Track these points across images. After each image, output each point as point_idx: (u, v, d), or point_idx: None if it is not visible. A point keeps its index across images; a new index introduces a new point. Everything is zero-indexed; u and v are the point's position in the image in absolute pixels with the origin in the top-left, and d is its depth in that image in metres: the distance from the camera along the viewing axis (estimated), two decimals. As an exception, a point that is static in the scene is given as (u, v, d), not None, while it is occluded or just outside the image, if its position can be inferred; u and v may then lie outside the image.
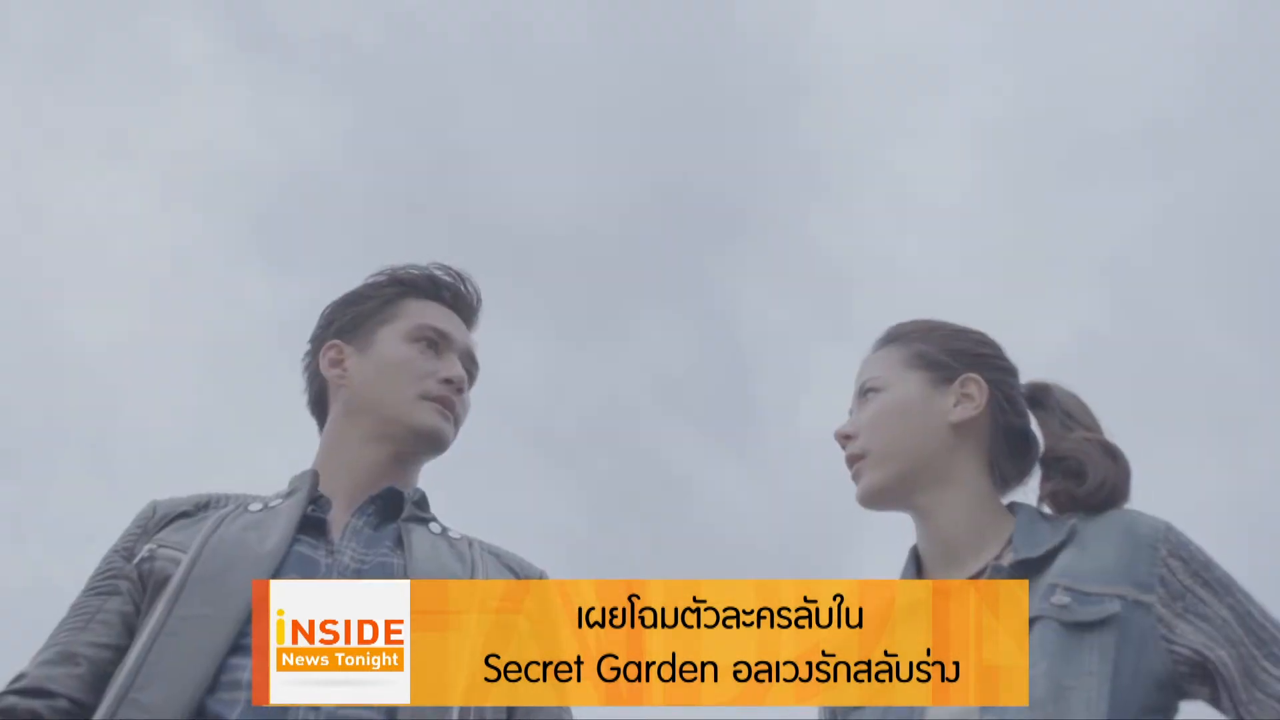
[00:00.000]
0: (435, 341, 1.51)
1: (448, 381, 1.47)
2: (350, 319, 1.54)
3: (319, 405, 1.55)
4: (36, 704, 1.24)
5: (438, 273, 1.58)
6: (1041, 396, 1.43)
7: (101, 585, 1.34)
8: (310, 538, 1.34)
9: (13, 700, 1.24)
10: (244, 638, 1.21)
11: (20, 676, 1.27)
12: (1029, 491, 1.41)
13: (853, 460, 1.41)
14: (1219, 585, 1.21)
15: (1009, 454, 1.41)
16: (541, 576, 1.45)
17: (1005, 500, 1.40)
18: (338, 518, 1.38)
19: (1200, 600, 1.20)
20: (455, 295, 1.58)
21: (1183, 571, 1.21)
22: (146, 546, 1.34)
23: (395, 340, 1.50)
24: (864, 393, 1.43)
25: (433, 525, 1.42)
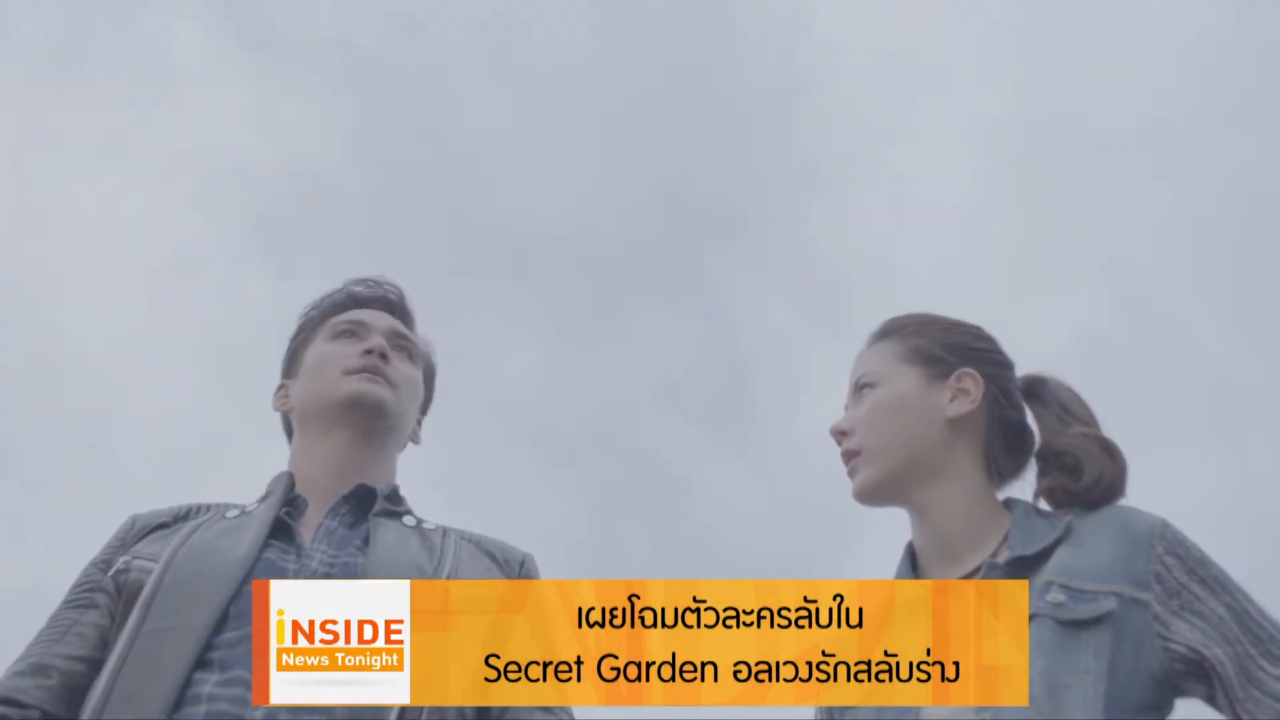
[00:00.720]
0: (354, 330, 1.55)
1: (367, 352, 1.51)
2: (287, 358, 1.61)
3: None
4: (10, 712, 1.24)
5: (355, 288, 1.63)
6: (1038, 390, 1.43)
7: (79, 598, 1.35)
8: (281, 543, 1.34)
9: None
10: (209, 650, 1.21)
11: None
12: (1025, 486, 1.41)
13: (848, 456, 1.41)
14: (1215, 583, 1.20)
15: (1005, 449, 1.40)
16: (524, 559, 1.46)
17: (1001, 496, 1.40)
18: (312, 519, 1.39)
19: (1196, 598, 1.19)
20: (377, 300, 1.62)
21: (1179, 569, 1.21)
22: (122, 559, 1.35)
23: (318, 347, 1.55)
24: (859, 388, 1.43)
25: (406, 518, 1.43)
